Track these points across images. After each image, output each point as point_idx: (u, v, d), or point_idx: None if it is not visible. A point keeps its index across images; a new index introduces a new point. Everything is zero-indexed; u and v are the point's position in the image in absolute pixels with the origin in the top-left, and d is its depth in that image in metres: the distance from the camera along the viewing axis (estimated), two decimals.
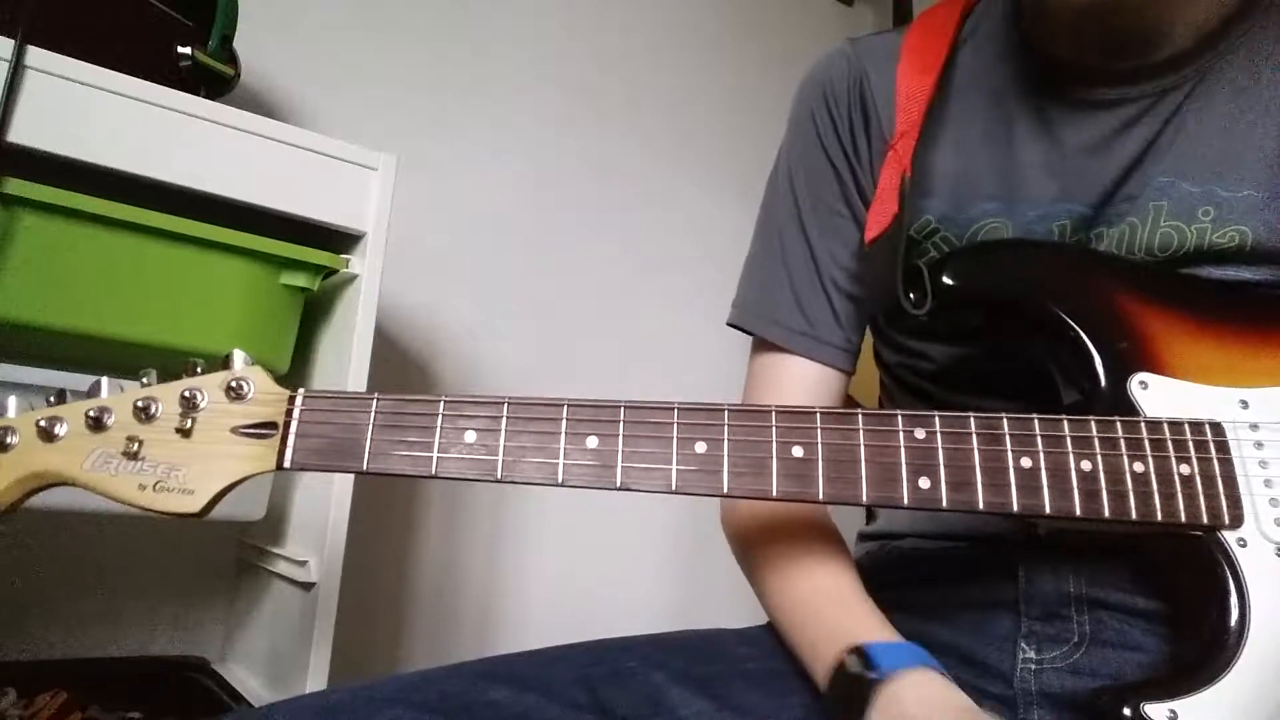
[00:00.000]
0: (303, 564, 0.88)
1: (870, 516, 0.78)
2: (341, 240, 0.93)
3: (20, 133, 0.73)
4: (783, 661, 0.61)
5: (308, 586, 0.88)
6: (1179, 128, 0.60)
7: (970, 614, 0.62)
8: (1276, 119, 0.59)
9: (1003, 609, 0.61)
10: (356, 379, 0.91)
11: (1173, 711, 0.47)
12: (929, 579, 0.67)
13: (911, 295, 0.58)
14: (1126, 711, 0.47)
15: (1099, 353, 0.55)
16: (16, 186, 0.73)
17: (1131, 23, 0.60)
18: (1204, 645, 0.50)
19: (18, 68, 0.73)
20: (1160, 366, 0.54)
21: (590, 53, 1.61)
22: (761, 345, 0.72)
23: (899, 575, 0.70)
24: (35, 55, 0.75)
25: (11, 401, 0.51)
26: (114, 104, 0.78)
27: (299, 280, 0.88)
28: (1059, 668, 0.58)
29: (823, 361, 0.69)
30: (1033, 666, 0.59)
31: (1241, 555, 0.50)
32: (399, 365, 1.33)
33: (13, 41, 0.73)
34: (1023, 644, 0.59)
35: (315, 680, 0.86)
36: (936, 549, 0.68)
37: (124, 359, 0.81)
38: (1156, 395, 0.54)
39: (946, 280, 0.57)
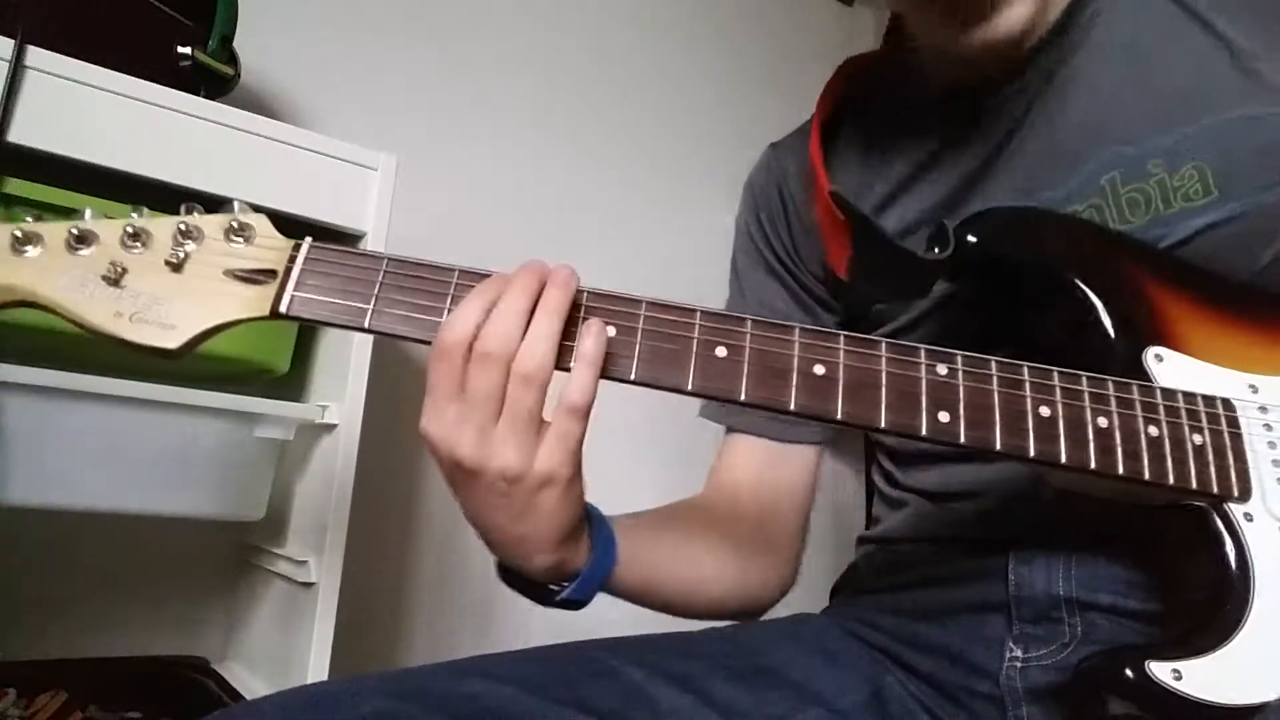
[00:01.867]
0: (303, 564, 0.88)
1: (869, 522, 0.79)
2: (341, 240, 0.93)
3: (20, 133, 0.73)
4: (764, 658, 0.62)
5: (308, 586, 0.88)
6: (1077, 100, 0.62)
7: (962, 616, 0.63)
8: (1169, 53, 0.60)
9: (994, 611, 0.61)
10: (356, 379, 0.91)
11: (1177, 671, 0.47)
12: (923, 582, 0.67)
13: (936, 249, 0.58)
14: (1128, 673, 0.47)
15: (1114, 322, 0.55)
16: (16, 186, 0.73)
17: (985, 49, 0.62)
18: (1206, 613, 0.50)
19: (18, 68, 0.73)
20: (1175, 343, 0.55)
21: (591, 54, 1.61)
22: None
23: (895, 578, 0.71)
24: (35, 55, 0.74)
25: None
26: (114, 104, 0.78)
27: None
28: (1045, 665, 0.58)
29: (755, 433, 0.74)
30: (1018, 665, 0.59)
31: (1248, 529, 0.50)
32: (399, 365, 1.33)
33: (13, 41, 0.73)
34: (1010, 644, 0.60)
35: (315, 680, 0.86)
36: (930, 553, 0.69)
37: (124, 359, 0.81)
38: (1170, 369, 0.54)
39: (970, 238, 0.58)
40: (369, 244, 0.92)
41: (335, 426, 0.90)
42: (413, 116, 1.38)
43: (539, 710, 0.52)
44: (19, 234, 0.45)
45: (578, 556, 0.55)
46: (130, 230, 0.47)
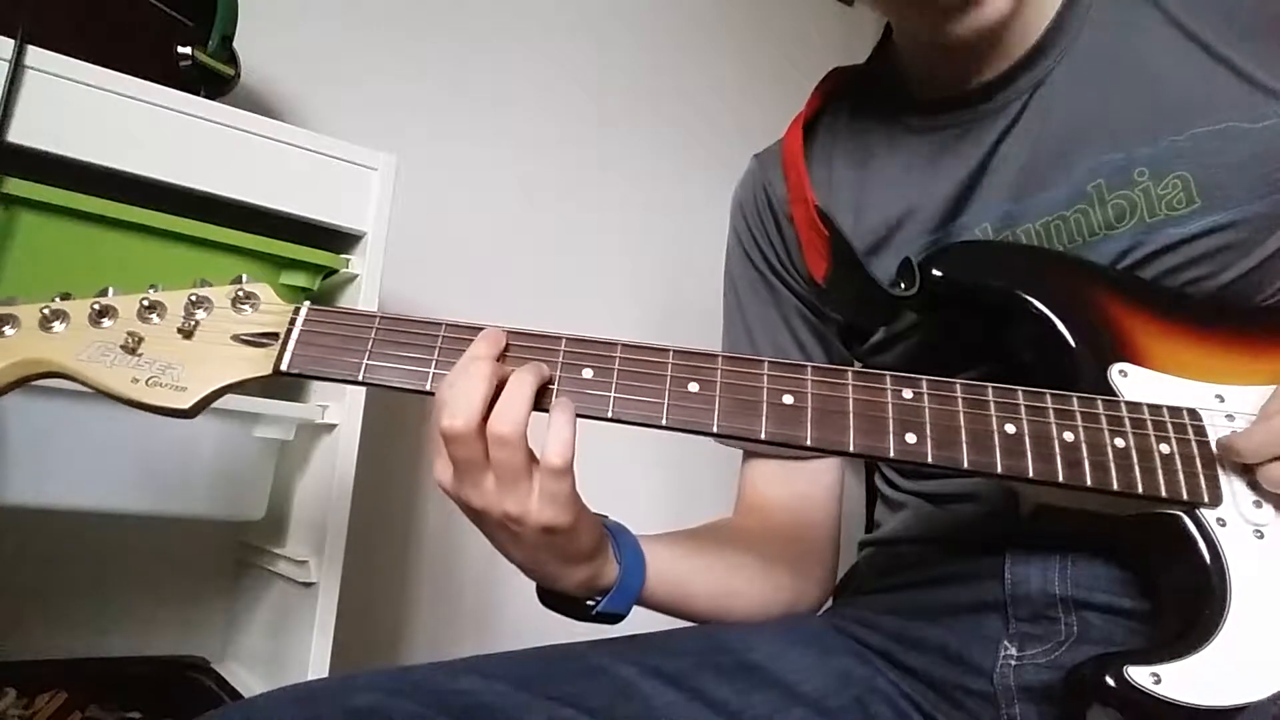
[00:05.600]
0: (303, 564, 0.88)
1: (871, 526, 0.79)
2: (341, 240, 0.93)
3: (20, 133, 0.73)
4: (753, 656, 0.62)
5: (308, 586, 0.88)
6: (1064, 110, 0.63)
7: (959, 615, 0.63)
8: (1157, 64, 0.61)
9: (991, 610, 0.61)
10: None
11: (1156, 675, 0.47)
12: (921, 582, 0.68)
13: (903, 284, 0.61)
14: (1109, 680, 0.48)
15: (1078, 342, 0.56)
16: (16, 186, 0.73)
17: (975, 42, 0.63)
18: (1186, 617, 0.51)
19: (18, 68, 0.73)
20: (1139, 358, 0.56)
21: (591, 52, 1.61)
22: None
23: (894, 579, 0.71)
24: (35, 55, 0.74)
25: (21, 299, 0.51)
26: (114, 104, 0.78)
27: (299, 280, 0.88)
28: (1039, 663, 0.59)
29: (767, 456, 0.75)
30: (1012, 663, 0.59)
31: (1222, 534, 0.51)
32: None
33: (13, 41, 0.73)
34: (1005, 642, 0.60)
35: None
36: (929, 553, 0.69)
37: None
38: (1135, 383, 0.55)
39: (935, 272, 0.59)
40: (369, 244, 0.92)
41: (335, 426, 0.90)
42: (413, 116, 1.38)
43: (531, 706, 0.53)
44: (47, 312, 0.50)
45: (607, 571, 0.57)
46: (146, 303, 0.51)
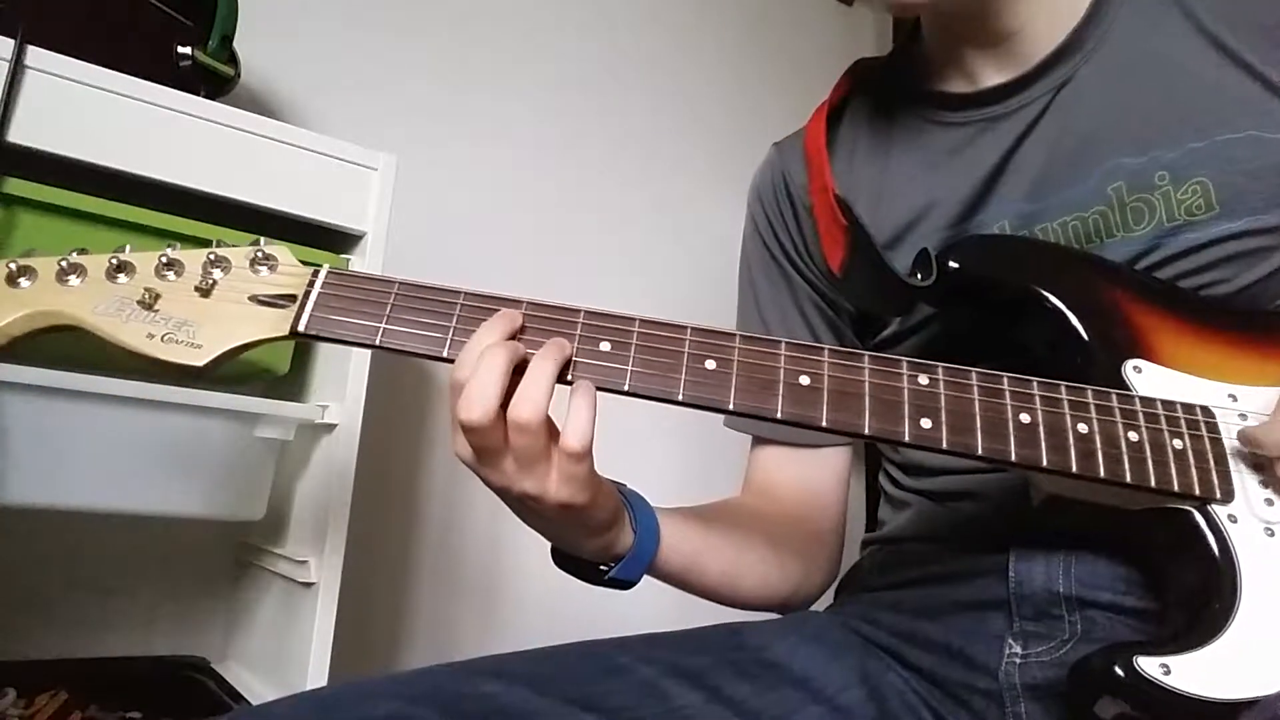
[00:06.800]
0: (303, 564, 0.88)
1: (874, 525, 0.80)
2: (341, 240, 0.93)
3: (20, 133, 0.73)
4: (769, 655, 0.62)
5: (308, 586, 0.88)
6: (1087, 111, 0.63)
7: (962, 613, 0.63)
8: (1183, 71, 0.61)
9: (994, 608, 0.61)
10: (356, 379, 0.91)
11: (1166, 666, 0.48)
12: (924, 579, 0.68)
13: (919, 275, 0.61)
14: (1118, 670, 0.48)
15: (1092, 337, 0.57)
16: (16, 186, 0.73)
17: (996, 36, 0.64)
18: (1194, 611, 0.51)
19: (18, 68, 0.73)
20: (1153, 355, 0.56)
21: (591, 52, 1.61)
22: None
23: (897, 576, 0.71)
24: (35, 55, 0.74)
25: (39, 252, 0.51)
26: (114, 104, 0.78)
27: None
28: (1044, 661, 0.59)
29: (777, 441, 0.76)
30: (1017, 661, 0.59)
31: (1233, 530, 0.51)
32: (399, 365, 1.33)
33: (13, 41, 0.73)
34: (1010, 640, 0.60)
35: (315, 680, 0.86)
36: (932, 551, 0.69)
37: (123, 359, 0.81)
38: (1149, 379, 0.56)
39: (952, 263, 0.60)
40: (369, 244, 0.92)
41: (335, 426, 0.90)
42: (413, 116, 1.38)
43: (552, 710, 0.53)
44: (64, 265, 0.50)
45: (623, 539, 0.58)
46: (165, 260, 0.51)
